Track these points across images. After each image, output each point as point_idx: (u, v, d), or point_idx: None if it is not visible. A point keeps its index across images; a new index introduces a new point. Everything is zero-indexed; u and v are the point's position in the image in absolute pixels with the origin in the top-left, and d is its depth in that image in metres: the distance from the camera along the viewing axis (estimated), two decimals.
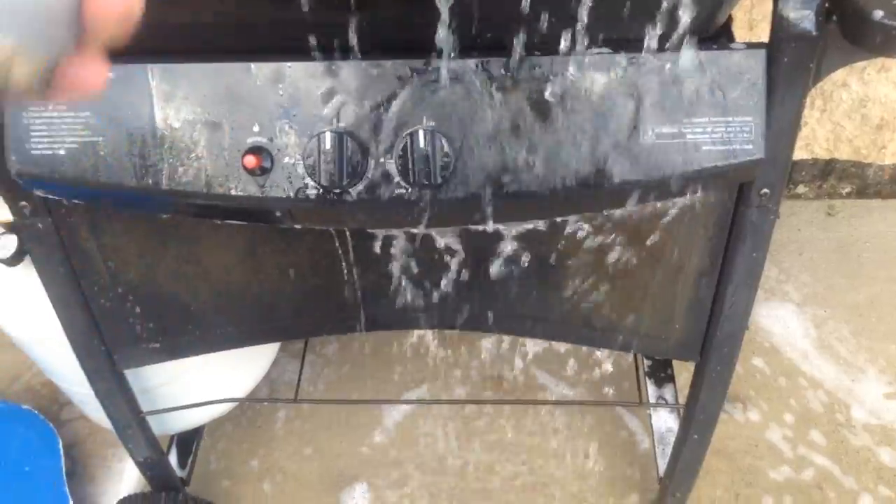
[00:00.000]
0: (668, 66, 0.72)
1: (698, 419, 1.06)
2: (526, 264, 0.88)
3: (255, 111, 0.73)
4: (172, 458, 1.29)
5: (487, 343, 1.52)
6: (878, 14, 0.63)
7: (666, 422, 1.36)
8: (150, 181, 0.74)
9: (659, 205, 0.82)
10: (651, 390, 1.41)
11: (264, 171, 0.73)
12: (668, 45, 0.71)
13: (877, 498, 1.32)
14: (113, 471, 1.38)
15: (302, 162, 0.73)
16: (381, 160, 0.73)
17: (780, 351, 1.55)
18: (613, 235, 0.85)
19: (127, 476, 1.37)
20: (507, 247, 0.86)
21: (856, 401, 1.46)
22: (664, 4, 0.67)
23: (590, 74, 0.71)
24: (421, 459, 1.39)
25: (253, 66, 0.73)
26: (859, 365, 1.52)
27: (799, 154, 1.78)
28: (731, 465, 1.38)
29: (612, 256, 0.87)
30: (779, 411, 1.45)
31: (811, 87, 0.75)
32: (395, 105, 0.72)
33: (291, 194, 0.74)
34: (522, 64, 0.71)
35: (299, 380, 1.23)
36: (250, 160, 0.72)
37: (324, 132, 0.72)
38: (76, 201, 0.82)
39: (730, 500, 1.33)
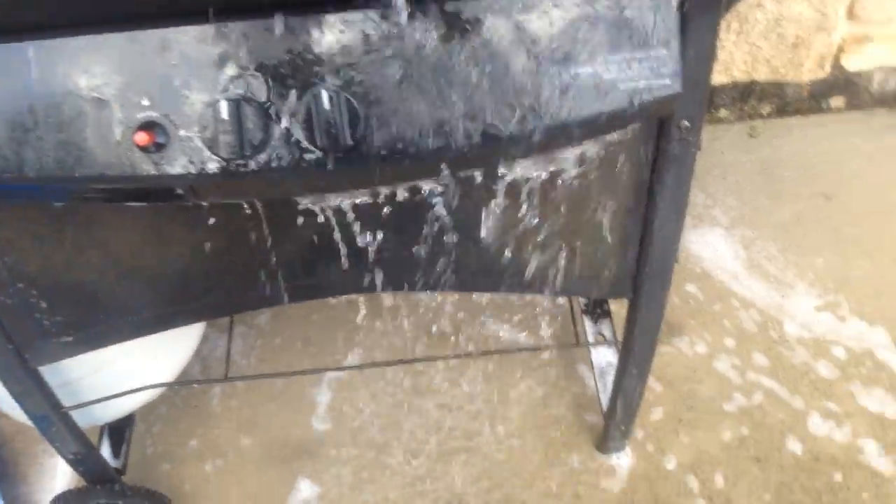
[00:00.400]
0: (578, 3, 0.68)
1: (636, 354, 1.06)
2: (450, 218, 0.85)
3: (143, 84, 0.68)
4: (105, 449, 1.25)
5: (422, 300, 1.50)
6: None
7: (605, 356, 1.37)
8: (37, 169, 0.68)
9: (581, 147, 0.79)
10: (588, 326, 1.41)
11: (159, 148, 0.68)
12: None
13: (821, 412, 1.35)
14: (45, 467, 1.33)
15: (199, 134, 0.68)
16: (285, 125, 0.69)
17: (711, 275, 1.57)
18: (537, 182, 0.82)
19: (60, 471, 1.31)
20: (429, 202, 0.83)
21: (787, 316, 1.49)
22: None
23: (499, 18, 0.68)
24: (366, 422, 1.37)
25: (137, 34, 0.67)
26: (788, 281, 1.54)
27: (718, 78, 1.78)
28: (672, 392, 1.39)
29: (537, 203, 0.85)
30: (714, 335, 1.46)
31: (724, 14, 0.73)
32: (295, 65, 0.68)
33: (191, 170, 0.69)
34: (426, 10, 0.67)
35: (228, 357, 1.19)
36: (142, 137, 0.67)
37: (219, 100, 0.67)
38: None
39: (673, 425, 1.35)
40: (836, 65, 1.78)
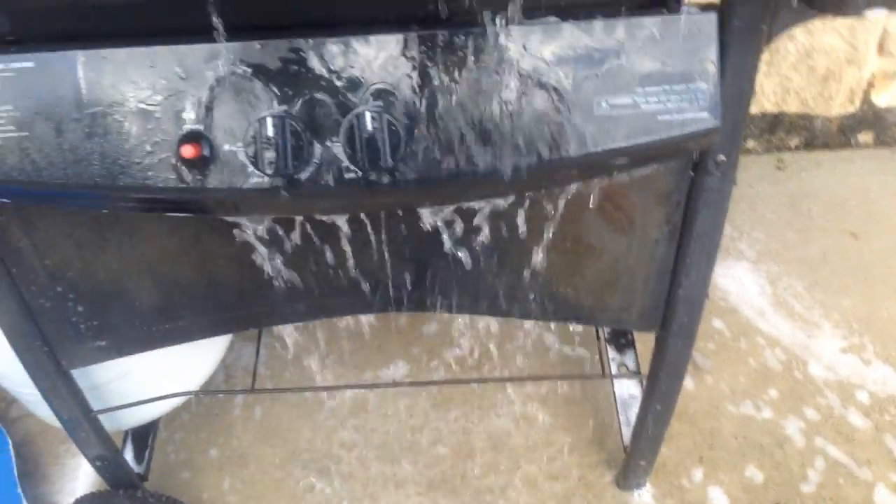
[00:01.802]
0: (618, 33, 0.69)
1: (661, 389, 1.05)
2: (484, 242, 0.86)
3: (190, 97, 0.69)
4: (128, 454, 1.26)
5: (446, 322, 1.50)
6: None
7: (628, 388, 1.36)
8: (82, 177, 0.70)
9: (615, 176, 0.80)
10: (612, 356, 1.41)
11: (204, 161, 0.70)
12: (617, 11, 0.69)
13: (843, 456, 1.34)
14: (67, 468, 1.34)
15: (243, 149, 0.69)
16: (328, 144, 0.70)
17: (737, 310, 1.56)
18: (571, 209, 0.83)
19: (82, 473, 1.33)
20: (465, 225, 0.84)
21: (812, 357, 1.48)
22: None
23: (539, 45, 0.69)
24: (384, 443, 1.37)
25: (185, 48, 0.69)
26: (814, 321, 1.53)
27: None
28: (694, 428, 1.38)
29: (571, 230, 0.85)
30: (738, 372, 1.46)
31: (764, 49, 0.74)
32: (340, 85, 0.69)
33: (234, 184, 0.70)
34: (471, 37, 0.68)
35: (255, 368, 1.20)
36: (188, 150, 0.68)
37: (265, 116, 0.68)
38: (4, 200, 0.77)
39: (693, 462, 1.34)
40: (866, 100, 1.78)
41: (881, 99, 1.78)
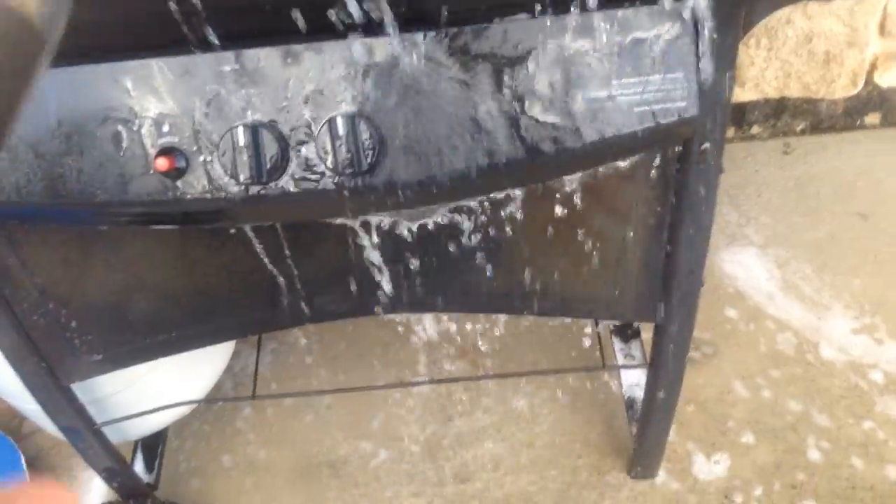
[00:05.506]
0: (592, 26, 0.69)
1: (663, 377, 1.05)
2: (472, 241, 0.86)
3: (162, 110, 0.70)
4: (139, 464, 1.27)
5: (449, 320, 1.50)
6: None
7: (635, 377, 1.35)
8: (60, 194, 0.70)
9: (599, 169, 0.79)
10: (618, 347, 1.40)
11: (180, 173, 0.70)
12: (591, 3, 0.68)
13: (858, 437, 1.32)
14: (79, 481, 1.35)
15: (218, 159, 0.69)
16: (302, 150, 0.70)
17: (745, 295, 1.55)
18: (558, 204, 0.82)
19: (94, 485, 1.34)
20: (449, 226, 0.83)
21: (824, 339, 1.46)
22: None
23: (510, 41, 0.68)
24: (392, 441, 1.38)
25: (153, 62, 0.69)
26: (824, 303, 1.51)
27: (749, 95, 1.76)
28: (705, 414, 1.37)
29: (559, 226, 0.85)
30: (749, 357, 1.44)
31: (742, 37, 0.73)
32: (310, 91, 0.69)
33: (211, 194, 0.70)
34: (441, 36, 0.68)
35: (256, 376, 1.20)
36: (163, 162, 0.69)
37: (237, 126, 0.68)
38: None
39: (706, 448, 1.33)
40: (870, 81, 1.75)
41: (885, 79, 1.76)
